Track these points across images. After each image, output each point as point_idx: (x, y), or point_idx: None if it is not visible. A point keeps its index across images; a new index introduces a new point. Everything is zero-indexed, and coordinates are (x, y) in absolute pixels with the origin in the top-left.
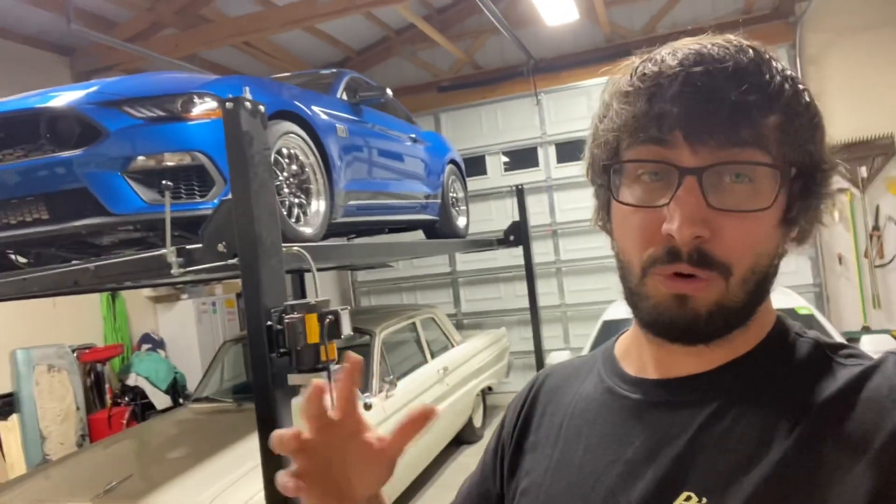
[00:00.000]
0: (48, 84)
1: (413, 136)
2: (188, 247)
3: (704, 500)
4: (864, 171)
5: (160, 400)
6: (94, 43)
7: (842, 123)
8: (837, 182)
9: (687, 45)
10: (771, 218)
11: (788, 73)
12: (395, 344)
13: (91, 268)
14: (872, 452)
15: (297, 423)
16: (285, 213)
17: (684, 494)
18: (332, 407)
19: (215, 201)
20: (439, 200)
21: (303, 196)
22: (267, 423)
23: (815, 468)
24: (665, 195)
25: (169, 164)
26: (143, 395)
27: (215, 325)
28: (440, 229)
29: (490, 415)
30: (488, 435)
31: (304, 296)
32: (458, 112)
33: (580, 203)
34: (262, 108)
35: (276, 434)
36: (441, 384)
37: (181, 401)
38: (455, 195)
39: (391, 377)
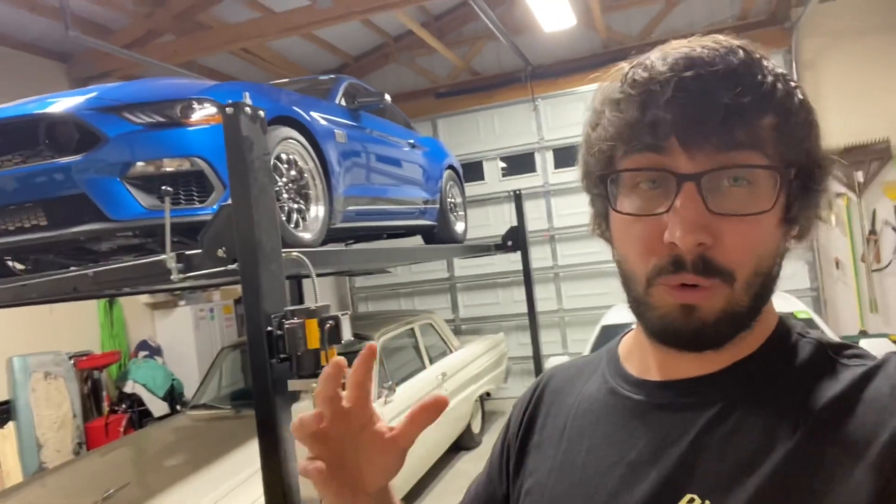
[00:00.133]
0: (45, 91)
1: (411, 141)
2: (188, 252)
3: (707, 501)
4: (860, 176)
5: (157, 407)
6: (91, 49)
7: (838, 128)
8: (834, 186)
9: (676, 49)
10: (772, 219)
11: (779, 71)
12: (394, 350)
13: (90, 274)
14: (875, 453)
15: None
16: (284, 218)
17: (687, 496)
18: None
19: (214, 207)
20: (438, 206)
21: (302, 201)
22: (267, 428)
23: (817, 469)
24: (664, 203)
25: (168, 169)
26: (141, 402)
27: (213, 332)
28: (438, 234)
29: (488, 420)
30: (486, 441)
31: (301, 302)
32: (455, 118)
33: (577, 208)
34: (262, 113)
35: (298, 417)
36: (440, 390)
37: (179, 408)
38: (453, 200)
39: (390, 383)
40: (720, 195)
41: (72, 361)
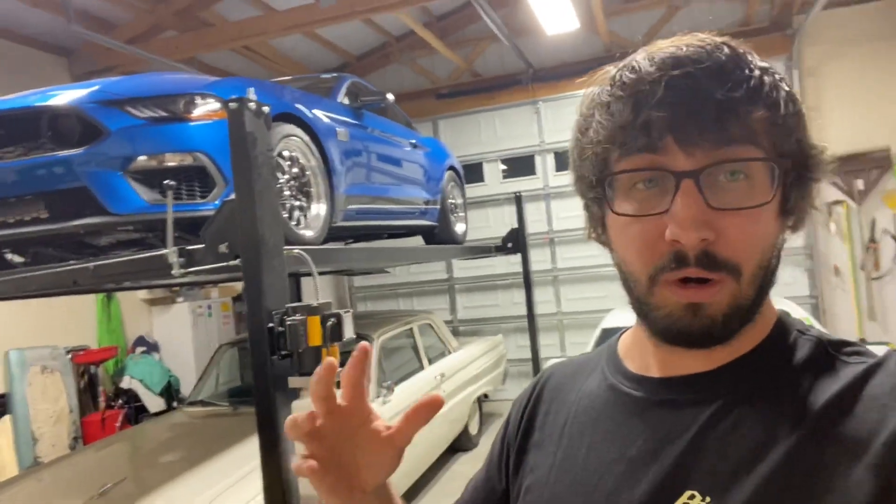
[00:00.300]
0: (46, 85)
1: (413, 141)
2: (190, 247)
3: (708, 498)
4: (860, 184)
5: (154, 403)
6: (93, 44)
7: (839, 136)
8: (834, 194)
9: (662, 50)
10: (771, 211)
11: (764, 64)
12: (393, 349)
13: (90, 267)
14: (875, 452)
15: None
16: (286, 215)
17: (688, 493)
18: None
19: (216, 202)
20: (438, 206)
21: (303, 199)
22: (267, 425)
23: (817, 467)
24: (662, 202)
25: (170, 164)
26: (137, 398)
27: (210, 329)
28: (439, 235)
29: (486, 422)
30: (484, 442)
31: (300, 300)
32: (456, 119)
33: (577, 211)
34: (266, 109)
35: (291, 417)
36: (437, 390)
37: (175, 404)
38: (454, 201)
39: (388, 383)
40: (719, 190)
41: (69, 356)
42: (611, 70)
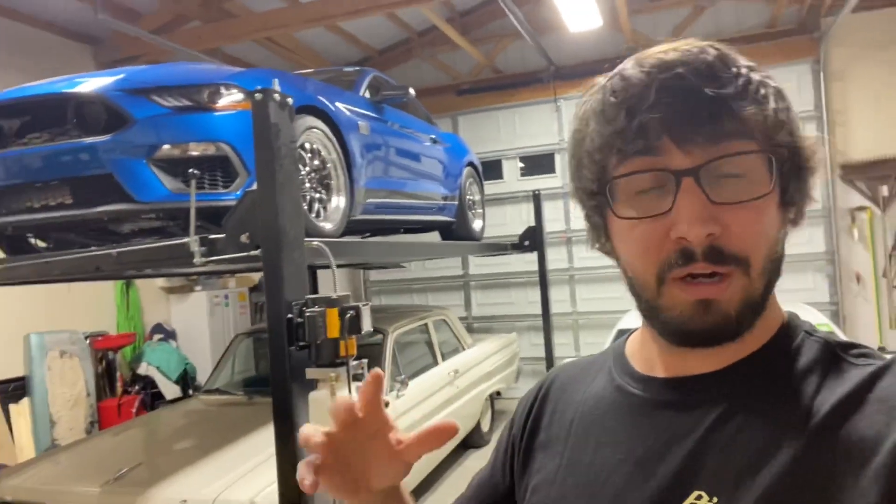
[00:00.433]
0: (71, 72)
1: (433, 136)
2: (212, 236)
3: (716, 499)
4: (885, 190)
5: (170, 390)
6: (118, 33)
7: (864, 140)
8: (858, 200)
9: (649, 57)
10: (772, 202)
11: (749, 63)
12: (407, 344)
13: (114, 254)
14: (883, 454)
15: (314, 417)
16: (306, 207)
17: (695, 493)
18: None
19: (238, 192)
20: (456, 202)
21: (323, 191)
22: (283, 415)
23: (825, 468)
24: (664, 203)
25: (194, 153)
26: (154, 384)
27: (227, 318)
28: (456, 231)
29: (498, 419)
30: (495, 440)
31: (316, 292)
32: (476, 115)
33: None
34: (290, 100)
35: (304, 435)
36: (451, 386)
37: (191, 392)
38: (472, 198)
39: (402, 377)
40: (719, 186)
41: (87, 341)
42: (600, 80)
